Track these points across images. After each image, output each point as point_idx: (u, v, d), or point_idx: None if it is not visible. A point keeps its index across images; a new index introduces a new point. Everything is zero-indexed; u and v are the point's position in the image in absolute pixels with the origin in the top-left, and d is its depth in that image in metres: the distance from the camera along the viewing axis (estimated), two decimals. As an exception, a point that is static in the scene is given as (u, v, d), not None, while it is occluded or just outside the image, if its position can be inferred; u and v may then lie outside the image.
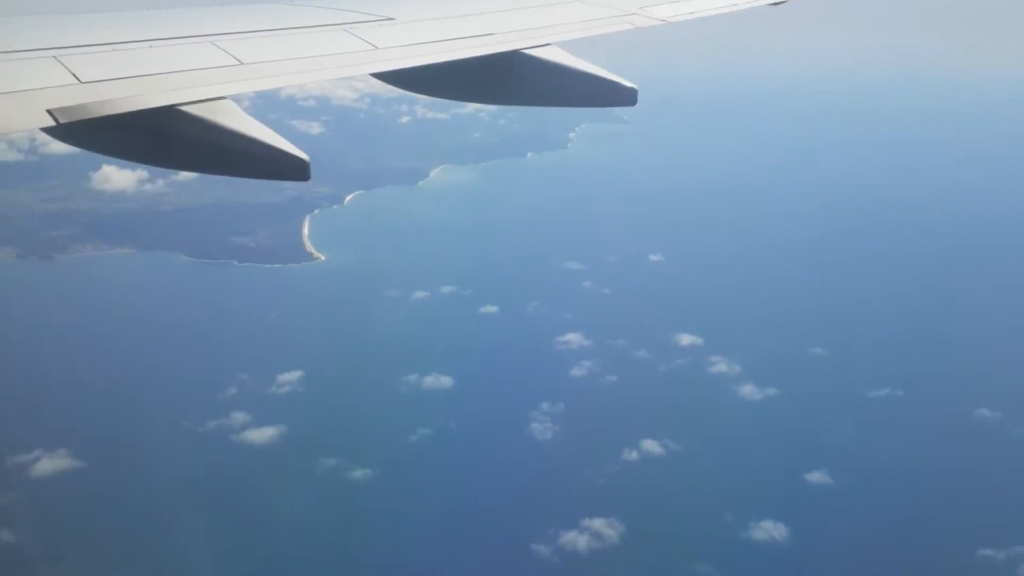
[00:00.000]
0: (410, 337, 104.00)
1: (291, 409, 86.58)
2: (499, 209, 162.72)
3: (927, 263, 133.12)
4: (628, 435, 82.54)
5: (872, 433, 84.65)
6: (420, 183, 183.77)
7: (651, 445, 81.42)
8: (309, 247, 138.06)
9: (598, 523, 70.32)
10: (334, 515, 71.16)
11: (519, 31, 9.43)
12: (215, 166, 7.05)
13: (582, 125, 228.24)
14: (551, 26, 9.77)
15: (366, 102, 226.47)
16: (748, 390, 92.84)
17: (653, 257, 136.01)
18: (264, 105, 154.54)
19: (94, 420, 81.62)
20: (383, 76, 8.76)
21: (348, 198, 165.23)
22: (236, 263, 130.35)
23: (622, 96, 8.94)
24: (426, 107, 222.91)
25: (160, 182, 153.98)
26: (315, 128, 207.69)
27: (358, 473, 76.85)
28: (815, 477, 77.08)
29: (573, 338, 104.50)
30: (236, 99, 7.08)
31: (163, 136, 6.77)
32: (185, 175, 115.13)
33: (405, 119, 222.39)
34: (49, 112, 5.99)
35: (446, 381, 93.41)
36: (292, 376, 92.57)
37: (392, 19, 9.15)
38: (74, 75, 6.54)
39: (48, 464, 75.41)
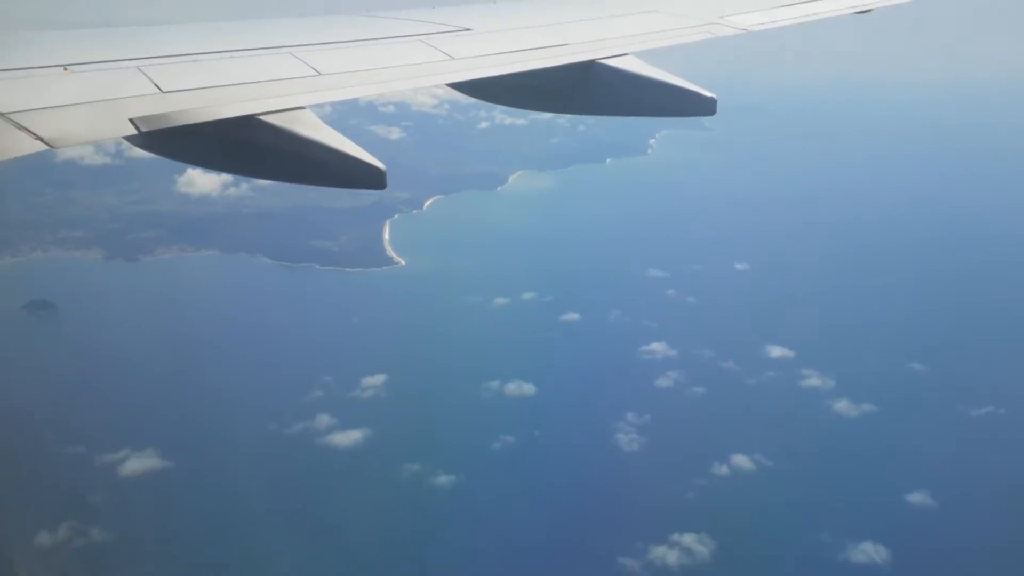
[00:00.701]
0: (492, 343, 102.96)
1: (375, 413, 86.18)
2: (578, 215, 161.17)
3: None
4: (718, 449, 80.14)
5: (974, 453, 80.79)
6: (499, 188, 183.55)
7: (742, 460, 78.87)
8: (390, 251, 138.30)
9: (688, 538, 68.15)
10: (419, 521, 70.20)
11: (596, 41, 9.40)
12: (293, 175, 7.07)
13: (663, 131, 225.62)
14: (629, 36, 9.73)
15: (445, 108, 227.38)
16: (843, 405, 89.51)
17: (739, 266, 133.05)
18: (345, 111, 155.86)
19: (181, 420, 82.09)
20: (459, 86, 8.71)
21: (427, 203, 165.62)
22: (318, 267, 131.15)
23: (701, 106, 8.73)
24: (504, 113, 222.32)
25: (243, 186, 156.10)
26: (395, 133, 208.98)
27: (442, 479, 75.87)
28: (916, 498, 73.72)
29: (658, 348, 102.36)
30: (315, 108, 7.11)
31: (241, 145, 6.83)
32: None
33: (484, 124, 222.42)
34: (131, 121, 6.14)
35: (529, 388, 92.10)
36: (376, 380, 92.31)
37: (468, 29, 9.21)
38: (156, 85, 6.71)
39: (137, 464, 76.05)
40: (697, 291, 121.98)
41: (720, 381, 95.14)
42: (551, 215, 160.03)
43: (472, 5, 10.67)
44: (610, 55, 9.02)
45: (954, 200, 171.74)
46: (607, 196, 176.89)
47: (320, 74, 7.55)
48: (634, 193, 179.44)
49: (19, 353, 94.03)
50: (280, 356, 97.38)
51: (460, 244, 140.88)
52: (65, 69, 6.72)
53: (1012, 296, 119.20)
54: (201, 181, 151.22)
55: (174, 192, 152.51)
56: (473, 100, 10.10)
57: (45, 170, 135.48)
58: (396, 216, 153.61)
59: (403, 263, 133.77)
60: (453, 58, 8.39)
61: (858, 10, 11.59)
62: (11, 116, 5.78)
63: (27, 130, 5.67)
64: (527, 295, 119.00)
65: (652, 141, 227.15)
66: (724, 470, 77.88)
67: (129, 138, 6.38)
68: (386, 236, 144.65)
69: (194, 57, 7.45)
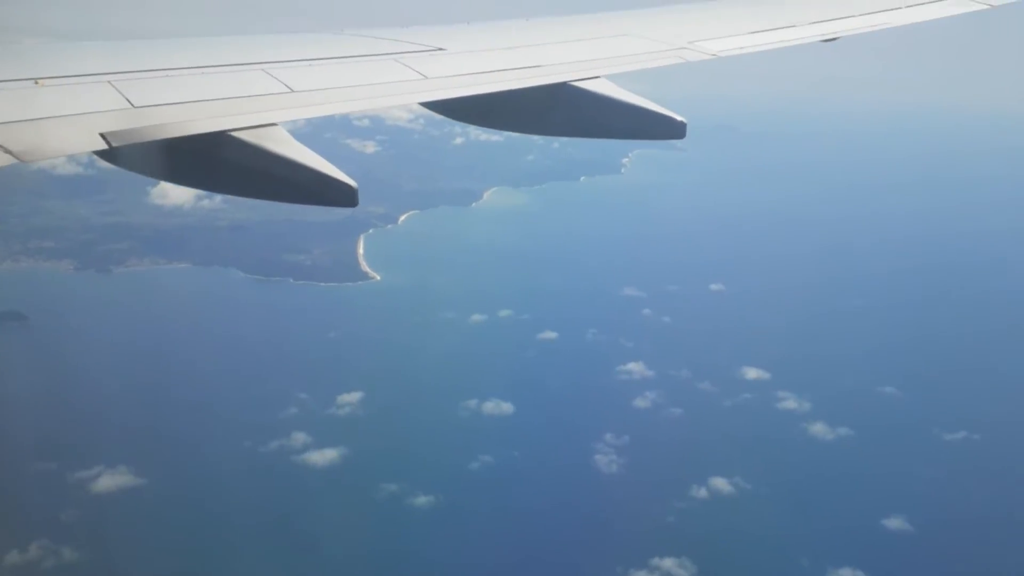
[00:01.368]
0: (469, 361, 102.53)
1: (352, 431, 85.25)
2: (553, 233, 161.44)
3: (1001, 301, 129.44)
4: (696, 471, 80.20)
5: (950, 478, 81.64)
6: (474, 204, 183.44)
7: (721, 483, 79.01)
8: (364, 266, 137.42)
9: (669, 563, 68.02)
10: (397, 542, 69.32)
11: (568, 63, 9.43)
12: (263, 192, 7.05)
13: (636, 150, 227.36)
14: (600, 59, 9.75)
15: (420, 123, 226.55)
16: (819, 428, 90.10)
17: (714, 287, 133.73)
18: (320, 124, 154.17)
19: (155, 437, 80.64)
20: (431, 105, 8.75)
21: (402, 218, 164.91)
22: (292, 280, 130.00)
23: (671, 129, 8.74)
24: (479, 129, 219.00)
25: (217, 198, 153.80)
26: (369, 147, 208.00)
27: (421, 499, 75.14)
28: (894, 523, 74.14)
29: (635, 367, 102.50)
30: (289, 122, 7.09)
31: (213, 161, 6.78)
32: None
33: (459, 140, 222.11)
34: (102, 136, 6.09)
35: (507, 407, 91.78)
36: (352, 397, 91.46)
37: (442, 49, 9.24)
38: (128, 100, 6.67)
39: (109, 481, 74.61)
40: (672, 311, 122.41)
41: (697, 402, 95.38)
42: (526, 232, 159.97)
43: (446, 25, 10.66)
44: (582, 77, 9.03)
45: (927, 224, 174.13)
46: (582, 214, 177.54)
47: (293, 91, 7.55)
48: (608, 211, 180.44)
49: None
50: (255, 371, 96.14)
51: (435, 260, 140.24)
52: (37, 82, 6.69)
53: (983, 321, 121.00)
54: (174, 193, 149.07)
55: (147, 203, 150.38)
56: (447, 117, 10.17)
57: (16, 179, 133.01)
58: (371, 231, 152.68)
59: (378, 278, 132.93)
60: (426, 77, 8.41)
61: (825, 38, 11.71)
62: None
63: None
64: (504, 312, 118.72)
65: (625, 160, 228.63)
66: (703, 493, 77.95)
67: (100, 153, 6.31)
68: (360, 251, 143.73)
69: (166, 72, 7.42)
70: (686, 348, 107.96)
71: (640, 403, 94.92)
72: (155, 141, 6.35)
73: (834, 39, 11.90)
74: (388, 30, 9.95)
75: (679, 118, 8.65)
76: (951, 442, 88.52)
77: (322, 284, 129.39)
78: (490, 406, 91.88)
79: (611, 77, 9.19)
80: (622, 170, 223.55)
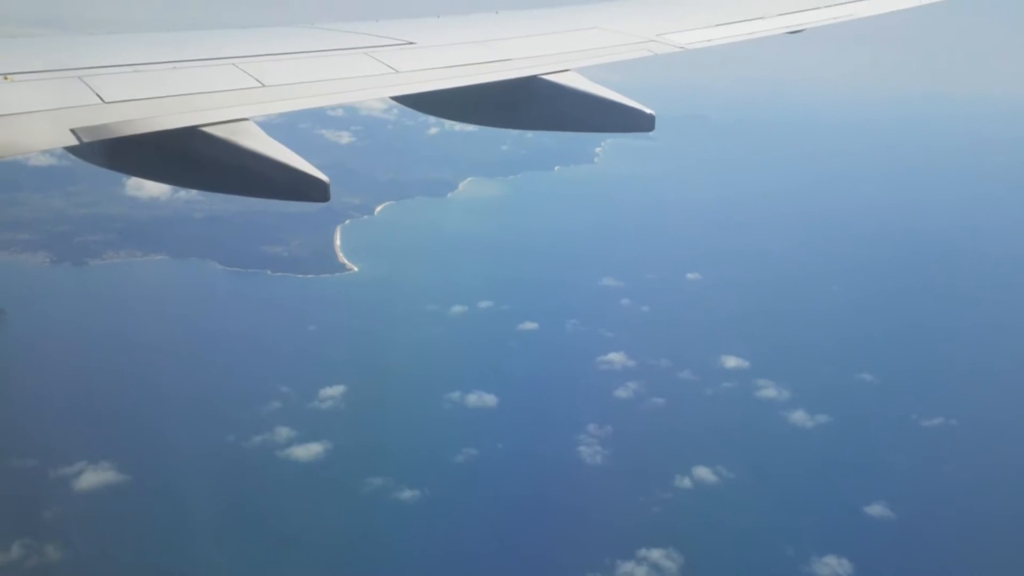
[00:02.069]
0: (451, 352, 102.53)
1: (335, 425, 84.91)
2: (530, 223, 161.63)
3: (975, 288, 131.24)
4: (680, 461, 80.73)
5: (929, 464, 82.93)
6: (449, 195, 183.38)
7: (704, 472, 79.58)
8: (342, 258, 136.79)
9: (656, 554, 68.35)
10: (383, 537, 69.22)
11: (537, 57, 9.47)
12: (236, 187, 6.98)
13: (608, 140, 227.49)
14: (570, 52, 9.80)
15: (394, 113, 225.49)
16: (799, 417, 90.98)
17: (690, 276, 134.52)
18: (293, 115, 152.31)
19: (137, 432, 79.88)
20: (402, 99, 8.79)
21: (378, 209, 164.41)
22: (269, 272, 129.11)
23: (640, 122, 8.77)
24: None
25: (193, 191, 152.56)
26: (344, 138, 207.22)
27: (406, 493, 75.05)
28: (875, 510, 75.11)
29: (616, 358, 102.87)
30: (261, 118, 7.11)
31: (184, 156, 6.79)
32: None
33: (433, 130, 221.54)
34: (73, 131, 6.08)
35: (490, 399, 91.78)
36: (335, 391, 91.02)
37: (412, 43, 9.25)
38: (98, 95, 6.63)
39: (92, 477, 73.74)
40: (651, 300, 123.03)
41: (678, 392, 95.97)
42: (503, 223, 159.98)
43: (416, 19, 10.76)
44: (552, 71, 9.09)
45: (900, 212, 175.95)
46: (557, 204, 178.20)
47: (264, 85, 7.55)
48: (583, 201, 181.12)
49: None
50: (236, 364, 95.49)
51: (413, 251, 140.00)
52: (5, 78, 6.63)
53: (958, 308, 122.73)
54: (150, 185, 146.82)
55: (123, 195, 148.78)
56: (418, 109, 10.29)
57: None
58: (347, 221, 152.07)
59: (356, 269, 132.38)
60: (397, 71, 8.44)
61: (791, 30, 11.91)
62: None
63: None
64: (484, 303, 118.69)
65: (598, 150, 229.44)
66: (687, 483, 78.47)
67: (70, 149, 6.35)
68: (337, 242, 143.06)
69: (136, 67, 7.39)
70: (666, 337, 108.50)
71: (622, 393, 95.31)
72: (126, 137, 6.35)
73: (800, 31, 12.11)
74: (358, 24, 9.98)
75: (648, 111, 8.71)
76: (929, 428, 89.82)
77: (300, 276, 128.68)
78: (473, 398, 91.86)
79: (580, 70, 9.26)
80: (595, 159, 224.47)
